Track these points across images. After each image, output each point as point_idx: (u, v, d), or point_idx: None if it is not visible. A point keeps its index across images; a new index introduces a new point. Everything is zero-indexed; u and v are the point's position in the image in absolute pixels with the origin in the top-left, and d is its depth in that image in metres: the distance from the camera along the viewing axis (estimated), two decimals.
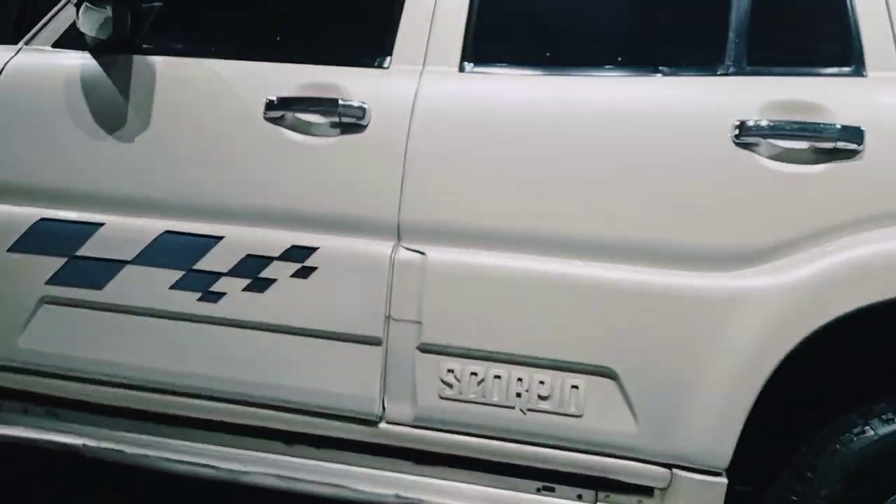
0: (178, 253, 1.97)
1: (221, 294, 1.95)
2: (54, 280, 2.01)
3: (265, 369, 1.94)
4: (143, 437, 2.01)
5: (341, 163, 1.93)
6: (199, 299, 1.95)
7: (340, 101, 1.92)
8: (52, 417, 2.10)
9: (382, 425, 1.90)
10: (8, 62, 2.13)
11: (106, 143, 2.03)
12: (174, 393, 1.99)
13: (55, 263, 2.02)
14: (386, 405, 1.89)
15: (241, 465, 1.92)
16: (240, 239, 1.95)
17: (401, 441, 1.91)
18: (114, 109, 2.04)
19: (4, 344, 2.04)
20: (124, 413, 2.05)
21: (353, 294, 1.89)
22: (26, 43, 2.18)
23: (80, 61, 2.09)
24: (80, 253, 2.01)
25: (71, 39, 2.13)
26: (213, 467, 1.91)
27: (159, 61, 2.06)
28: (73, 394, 2.05)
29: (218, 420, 1.99)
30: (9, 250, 2.04)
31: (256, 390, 1.94)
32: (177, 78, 2.05)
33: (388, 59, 1.99)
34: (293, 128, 1.95)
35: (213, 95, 2.02)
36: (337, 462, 1.95)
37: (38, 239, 2.03)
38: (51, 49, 2.15)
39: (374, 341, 1.89)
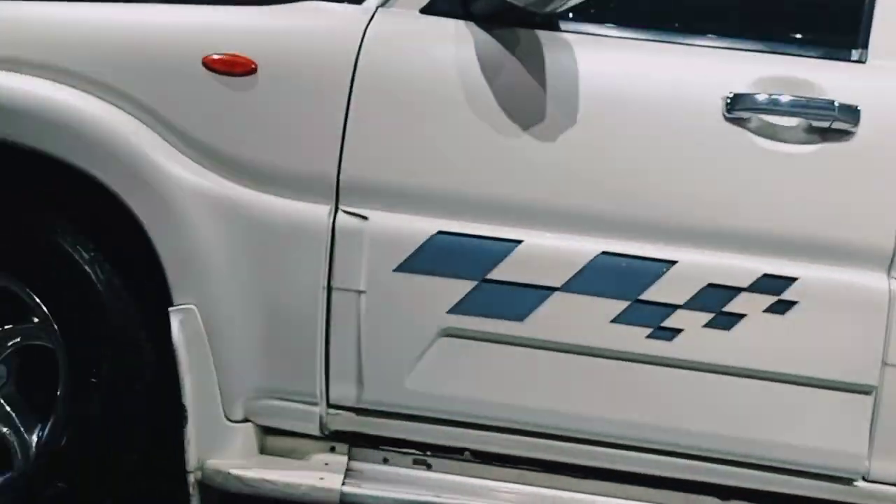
0: (620, 279, 1.62)
1: (677, 331, 1.62)
2: (459, 308, 1.63)
3: (723, 418, 1.64)
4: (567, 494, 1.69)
5: (825, 176, 1.62)
6: (650, 336, 1.62)
7: (837, 104, 1.60)
8: (422, 467, 1.74)
9: (860, 483, 1.65)
10: (367, 28, 1.68)
11: (520, 141, 1.64)
12: (607, 444, 1.67)
13: (461, 288, 1.63)
14: (871, 462, 1.64)
15: None
16: (698, 265, 1.62)
17: (882, 501, 1.66)
18: (527, 99, 1.65)
19: (390, 386, 1.66)
20: (519, 462, 1.73)
21: (841, 334, 1.61)
22: (381, 5, 1.73)
23: (470, 34, 1.67)
24: (493, 276, 1.63)
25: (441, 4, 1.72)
26: None
27: (578, 40, 1.67)
28: (466, 442, 1.70)
29: (650, 474, 1.69)
30: (397, 269, 1.64)
31: (712, 442, 1.65)
32: (606, 63, 1.67)
33: (862, 51, 1.68)
34: (758, 131, 1.63)
35: (656, 87, 1.65)
36: None
37: (438, 257, 1.63)
38: (419, 14, 1.72)
39: (864, 389, 1.62)
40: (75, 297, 1.67)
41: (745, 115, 1.62)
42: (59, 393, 1.70)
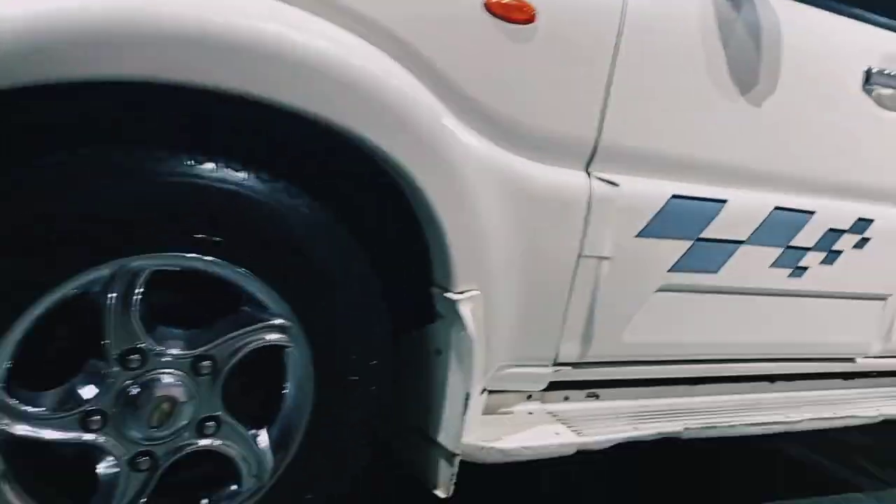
0: (780, 230, 1.87)
1: (805, 268, 1.95)
2: (677, 266, 1.73)
3: (813, 330, 2.06)
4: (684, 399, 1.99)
5: None
6: (790, 275, 1.92)
7: None
8: (593, 398, 1.87)
9: (858, 360, 2.24)
10: None
11: (739, 105, 1.72)
12: (754, 360, 2.00)
13: (681, 247, 1.72)
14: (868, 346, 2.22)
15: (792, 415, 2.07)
16: (826, 213, 1.93)
17: (869, 367, 2.28)
18: (737, 62, 1.70)
19: (611, 341, 1.72)
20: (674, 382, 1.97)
21: (884, 258, 2.10)
22: None
23: None
24: (704, 235, 1.74)
25: None
26: (784, 422, 2.03)
27: (780, 4, 1.74)
28: (640, 375, 1.87)
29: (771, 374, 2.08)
30: (639, 235, 1.65)
31: (805, 349, 2.07)
32: (795, 31, 1.77)
33: None
34: (880, 102, 1.93)
35: (818, 55, 1.83)
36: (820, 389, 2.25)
37: (670, 220, 1.68)
38: None
39: (881, 297, 2.15)
40: (322, 287, 1.37)
41: (875, 87, 1.91)
42: (286, 394, 1.43)
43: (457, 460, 1.55)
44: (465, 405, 1.51)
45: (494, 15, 1.39)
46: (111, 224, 1.18)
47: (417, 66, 1.35)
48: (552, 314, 1.63)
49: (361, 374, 1.46)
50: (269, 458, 1.42)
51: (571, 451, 1.69)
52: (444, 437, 1.55)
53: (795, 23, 1.78)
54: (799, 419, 2.07)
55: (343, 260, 1.38)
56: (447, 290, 1.46)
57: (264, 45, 1.18)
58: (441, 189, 1.38)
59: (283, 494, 1.44)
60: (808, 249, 1.95)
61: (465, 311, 1.45)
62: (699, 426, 1.90)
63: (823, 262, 1.99)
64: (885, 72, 1.92)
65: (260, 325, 1.36)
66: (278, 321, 1.37)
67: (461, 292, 1.45)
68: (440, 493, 1.58)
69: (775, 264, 1.90)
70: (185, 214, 1.23)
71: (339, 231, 1.37)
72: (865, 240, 2.04)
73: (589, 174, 1.59)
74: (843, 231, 1.99)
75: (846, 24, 1.89)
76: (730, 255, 1.82)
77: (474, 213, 1.43)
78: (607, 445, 1.76)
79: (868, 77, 1.89)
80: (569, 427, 1.74)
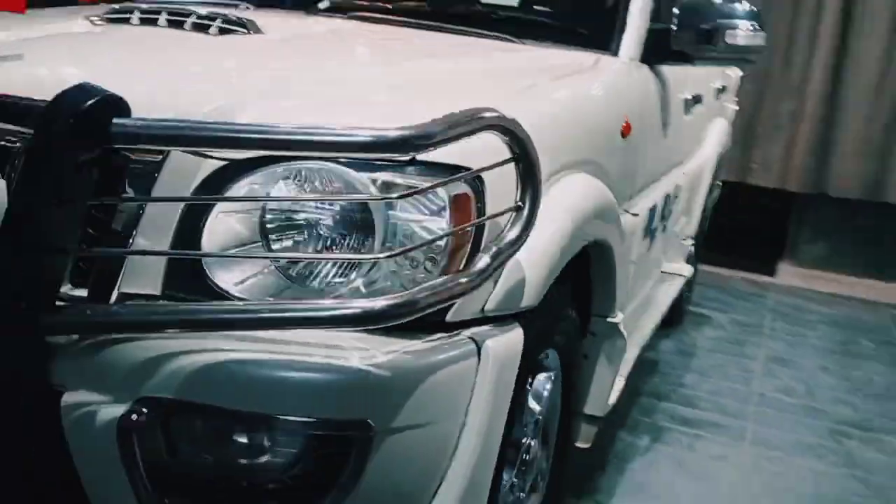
0: (664, 207, 2.89)
1: (667, 225, 3.02)
2: (645, 247, 2.65)
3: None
4: None
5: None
6: (663, 232, 2.98)
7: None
8: None
9: None
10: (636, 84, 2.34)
11: (661, 139, 2.65)
12: None
13: (646, 236, 2.65)
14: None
15: None
16: (669, 186, 3.00)
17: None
18: (665, 113, 2.62)
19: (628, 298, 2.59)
20: None
21: (682, 204, 3.28)
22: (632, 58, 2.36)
23: (652, 76, 2.50)
24: (652, 227, 2.70)
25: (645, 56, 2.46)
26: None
27: (668, 70, 2.67)
28: None
29: None
30: (643, 237, 2.53)
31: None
32: (673, 83, 2.73)
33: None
34: (687, 114, 3.02)
35: (678, 96, 2.83)
36: None
37: (648, 225, 2.58)
38: (640, 63, 2.41)
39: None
40: (569, 337, 2.03)
41: (689, 109, 3.00)
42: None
43: (601, 421, 2.35)
44: (613, 387, 2.31)
45: (623, 136, 2.12)
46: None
47: (603, 176, 2.02)
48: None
49: (579, 384, 2.16)
50: (545, 462, 2.08)
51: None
52: (592, 408, 2.33)
53: (673, 80, 2.75)
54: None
55: (572, 314, 2.05)
56: (607, 317, 2.21)
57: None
58: (620, 252, 2.11)
59: (552, 483, 2.12)
60: (668, 215, 3.04)
61: (623, 329, 2.22)
62: (652, 326, 2.94)
63: (669, 217, 3.11)
64: (693, 96, 3.03)
65: (546, 380, 1.98)
66: (554, 373, 2.00)
67: (617, 316, 2.22)
68: (585, 445, 2.38)
69: (662, 230, 2.96)
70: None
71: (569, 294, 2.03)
72: (677, 196, 3.20)
73: (626, 211, 2.41)
74: (671, 195, 3.12)
75: (679, 70, 2.92)
76: (656, 233, 2.82)
77: (627, 261, 2.19)
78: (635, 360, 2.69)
79: (686, 103, 2.98)
80: None
